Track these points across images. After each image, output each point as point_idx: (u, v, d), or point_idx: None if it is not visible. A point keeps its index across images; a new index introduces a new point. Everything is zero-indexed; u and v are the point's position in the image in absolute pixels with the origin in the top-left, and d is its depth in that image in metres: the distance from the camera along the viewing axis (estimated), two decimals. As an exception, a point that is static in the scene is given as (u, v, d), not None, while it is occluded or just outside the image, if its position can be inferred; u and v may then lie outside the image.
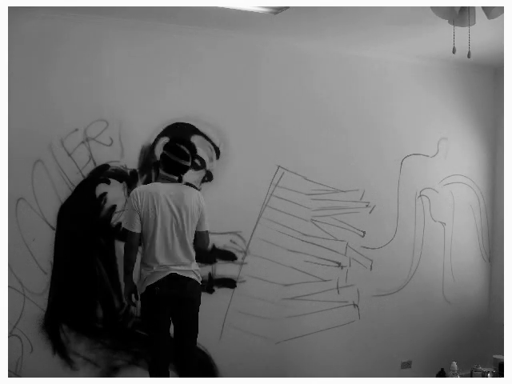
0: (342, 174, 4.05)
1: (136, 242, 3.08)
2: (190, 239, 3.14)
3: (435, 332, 4.37)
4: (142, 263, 3.13)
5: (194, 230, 3.17)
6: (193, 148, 3.22)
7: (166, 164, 3.14)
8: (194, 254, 3.18)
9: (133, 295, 3.18)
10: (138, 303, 3.21)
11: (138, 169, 3.50)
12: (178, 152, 3.12)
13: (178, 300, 3.10)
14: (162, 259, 3.06)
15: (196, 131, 3.62)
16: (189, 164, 3.17)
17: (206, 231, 3.23)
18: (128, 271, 3.14)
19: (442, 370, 3.79)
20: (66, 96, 3.34)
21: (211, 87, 3.67)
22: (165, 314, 3.11)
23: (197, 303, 3.20)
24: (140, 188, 3.14)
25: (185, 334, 3.18)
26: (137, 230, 3.06)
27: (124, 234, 3.16)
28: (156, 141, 3.51)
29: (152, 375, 3.12)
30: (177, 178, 3.18)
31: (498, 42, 3.69)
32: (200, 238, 3.21)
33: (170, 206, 3.07)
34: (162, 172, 3.18)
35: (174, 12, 3.26)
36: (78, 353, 3.36)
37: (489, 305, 4.57)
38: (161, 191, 3.08)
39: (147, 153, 3.50)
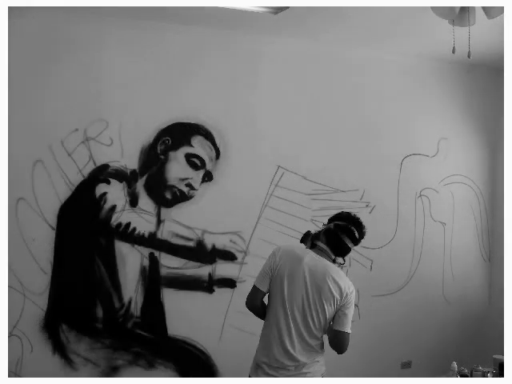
0: (341, 174, 4.05)
1: (257, 300, 2.58)
2: (311, 333, 2.51)
3: (435, 332, 4.37)
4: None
5: (324, 323, 2.51)
6: (362, 234, 2.64)
7: (330, 239, 2.59)
8: (312, 355, 2.52)
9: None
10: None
11: (138, 169, 3.50)
12: (349, 233, 2.59)
13: None
14: (274, 346, 2.53)
15: (196, 131, 3.63)
16: (353, 246, 2.61)
17: (346, 333, 2.49)
18: None
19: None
20: (66, 96, 3.34)
21: (211, 87, 3.67)
22: None
23: None
24: (287, 246, 2.63)
25: None
26: (262, 288, 2.55)
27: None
28: (156, 141, 3.51)
29: None
30: (333, 257, 2.60)
31: (498, 42, 3.69)
32: (335, 338, 2.52)
33: (305, 278, 2.50)
34: (319, 244, 2.60)
35: (173, 12, 3.26)
36: (78, 353, 3.36)
37: (489, 305, 4.57)
38: (306, 257, 2.53)
39: (147, 153, 3.51)
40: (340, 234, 2.58)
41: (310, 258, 2.54)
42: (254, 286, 2.58)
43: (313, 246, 2.61)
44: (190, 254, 3.61)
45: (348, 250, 2.61)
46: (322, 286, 2.48)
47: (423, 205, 4.32)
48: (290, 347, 2.50)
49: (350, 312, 2.52)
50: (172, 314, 3.58)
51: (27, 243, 3.26)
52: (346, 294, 2.50)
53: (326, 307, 2.48)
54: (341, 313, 2.50)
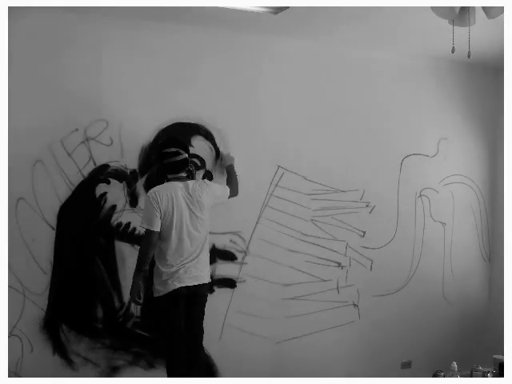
0: (342, 174, 4.05)
1: (155, 240, 3.14)
2: (204, 235, 3.26)
3: (435, 332, 4.37)
4: (160, 262, 3.19)
5: (208, 220, 3.30)
6: (180, 143, 3.32)
7: (168, 170, 3.26)
8: (208, 252, 3.33)
9: (139, 293, 3.20)
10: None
11: (138, 169, 3.50)
12: (170, 155, 3.23)
13: (191, 297, 3.20)
14: (177, 258, 3.16)
15: (196, 131, 3.62)
16: (185, 156, 3.27)
17: (229, 189, 3.47)
18: (140, 270, 3.16)
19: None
20: (66, 96, 3.34)
21: (211, 87, 3.66)
22: (180, 312, 3.20)
23: (205, 300, 3.32)
24: (159, 188, 3.19)
25: (195, 331, 3.27)
26: (156, 228, 3.12)
27: (145, 234, 3.19)
28: (156, 141, 3.51)
29: (172, 376, 3.15)
30: (185, 174, 3.29)
31: (498, 42, 3.69)
32: (231, 194, 3.48)
33: (187, 204, 3.19)
34: (170, 176, 3.27)
35: (174, 12, 3.26)
36: (78, 353, 3.36)
37: (489, 305, 4.57)
38: (178, 191, 3.18)
39: (147, 153, 3.50)
40: (166, 162, 3.23)
41: (180, 188, 3.19)
42: None
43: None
44: (189, 253, 3.61)
45: (183, 161, 3.25)
46: (201, 201, 3.26)
47: (423, 205, 4.32)
48: None
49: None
50: (172, 313, 3.58)
51: (27, 243, 3.26)
52: None
53: None
54: None
